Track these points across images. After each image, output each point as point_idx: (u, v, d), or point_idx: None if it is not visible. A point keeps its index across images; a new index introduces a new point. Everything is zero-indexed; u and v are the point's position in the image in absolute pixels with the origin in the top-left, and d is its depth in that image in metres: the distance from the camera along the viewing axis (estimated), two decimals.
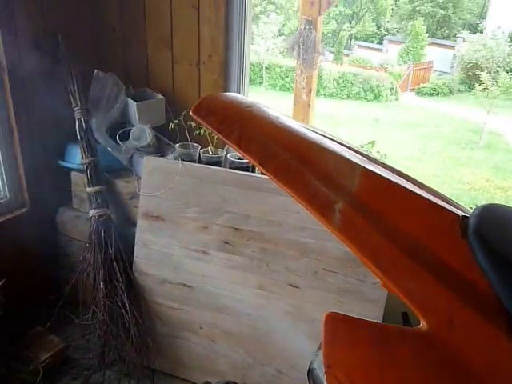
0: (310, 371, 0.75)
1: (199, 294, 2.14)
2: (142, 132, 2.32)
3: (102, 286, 2.16)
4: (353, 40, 23.45)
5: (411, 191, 0.69)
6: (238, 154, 2.20)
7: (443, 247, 0.63)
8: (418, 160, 9.42)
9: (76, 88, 2.34)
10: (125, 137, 2.36)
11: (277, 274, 2.00)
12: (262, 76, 15.52)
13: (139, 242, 2.22)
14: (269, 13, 18.20)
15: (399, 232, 0.64)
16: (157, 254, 2.19)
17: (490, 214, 0.66)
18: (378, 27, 24.58)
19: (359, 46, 21.72)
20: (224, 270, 2.08)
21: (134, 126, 2.38)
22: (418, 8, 22.12)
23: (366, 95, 15.12)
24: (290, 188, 0.67)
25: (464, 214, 0.67)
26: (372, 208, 0.65)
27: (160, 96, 2.47)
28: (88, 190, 2.28)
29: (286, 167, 0.68)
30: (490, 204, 0.70)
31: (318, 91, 14.29)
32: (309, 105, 4.78)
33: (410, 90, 16.45)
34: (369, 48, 21.18)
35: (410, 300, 0.60)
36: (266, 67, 15.52)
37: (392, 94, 15.07)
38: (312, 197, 0.66)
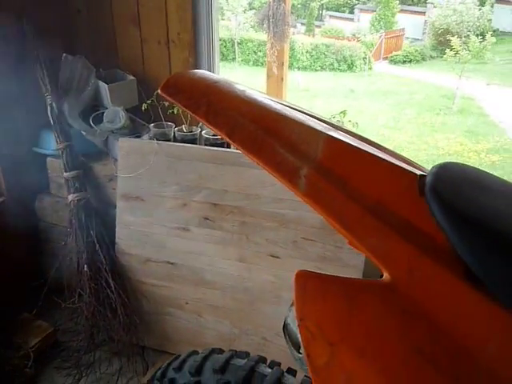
0: (285, 326, 0.80)
1: (183, 270, 2.18)
2: (115, 114, 2.32)
3: (86, 269, 2.19)
4: (324, 10, 23.26)
5: (372, 154, 0.73)
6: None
7: (402, 204, 0.67)
8: (393, 128, 9.54)
9: (45, 74, 2.31)
10: (98, 120, 2.35)
11: (257, 246, 2.05)
12: (234, 52, 15.38)
13: (120, 224, 2.25)
14: None
15: (361, 193, 0.68)
16: (138, 233, 2.22)
17: (446, 173, 0.71)
18: None
19: (330, 16, 21.59)
20: (205, 245, 2.12)
21: (106, 108, 2.38)
22: None
23: (340, 66, 15.14)
24: (257, 158, 0.71)
25: (422, 173, 0.71)
26: (335, 172, 0.69)
27: (131, 77, 2.46)
28: (65, 174, 2.29)
29: (253, 138, 0.72)
30: (447, 162, 0.75)
31: (292, 64, 14.25)
32: (282, 78, 4.77)
33: (383, 58, 16.50)
34: (340, 18, 21.08)
35: (373, 254, 0.65)
36: (238, 42, 15.36)
37: (365, 64, 15.10)
38: (278, 165, 0.70)
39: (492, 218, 0.65)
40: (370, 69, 15.18)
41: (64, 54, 2.34)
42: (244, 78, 12.35)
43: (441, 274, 0.62)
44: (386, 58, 16.46)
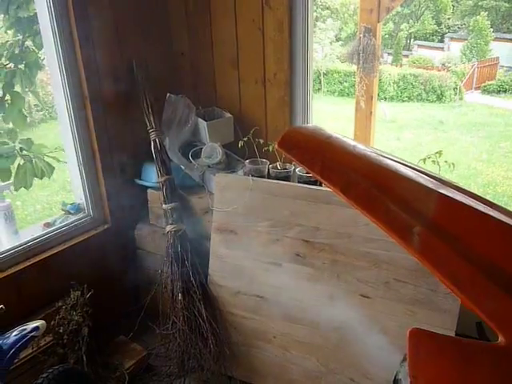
0: (396, 381, 0.80)
1: (272, 304, 2.22)
2: (212, 150, 2.44)
3: (180, 297, 2.29)
4: (412, 40, 22.89)
5: (484, 213, 0.73)
6: None
7: None
8: (486, 161, 9.08)
9: (150, 111, 2.49)
10: (196, 155, 2.49)
11: (347, 285, 2.05)
12: (320, 82, 15.50)
13: (213, 255, 2.34)
14: (325, 18, 18.16)
15: (475, 253, 0.68)
16: (230, 266, 2.30)
17: None
18: (439, 25, 23.85)
19: (419, 45, 21.20)
20: (296, 281, 2.15)
21: (204, 144, 2.51)
22: (480, 3, 21.32)
23: (428, 96, 14.73)
24: (370, 214, 0.74)
25: None
26: (448, 231, 0.70)
27: (228, 115, 2.58)
28: (164, 206, 2.42)
29: (367, 195, 0.75)
30: None
31: (378, 95, 14.09)
32: (371, 112, 4.77)
33: (476, 88, 15.88)
34: (429, 47, 20.62)
35: (489, 317, 0.65)
36: (324, 73, 15.47)
37: (456, 94, 14.60)
38: (391, 222, 0.73)
39: None
40: (461, 99, 14.64)
41: (168, 94, 2.51)
42: (330, 110, 12.39)
43: None
44: (478, 88, 15.83)
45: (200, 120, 2.54)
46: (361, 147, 0.84)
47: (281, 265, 2.17)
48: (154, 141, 2.47)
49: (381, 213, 0.73)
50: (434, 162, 2.18)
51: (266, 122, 2.54)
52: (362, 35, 4.81)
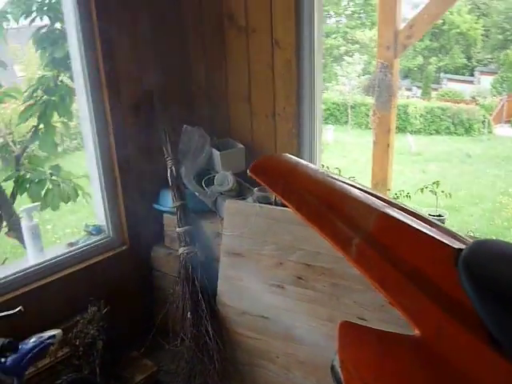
0: (332, 367, 0.93)
1: (276, 325, 2.33)
2: (224, 178, 2.61)
3: (189, 316, 2.43)
4: (442, 73, 22.98)
5: (417, 229, 0.86)
6: None
7: (438, 273, 0.80)
8: None
9: (168, 140, 2.68)
10: (209, 182, 2.66)
11: (346, 307, 2.15)
12: (347, 115, 15.69)
13: (222, 277, 2.47)
14: (352, 53, 18.47)
15: (403, 261, 0.81)
16: (237, 287, 2.43)
17: (481, 248, 0.82)
18: (468, 59, 23.91)
19: (449, 79, 21.27)
20: (298, 302, 2.26)
21: (217, 172, 2.68)
22: (510, 37, 21.35)
23: (456, 129, 14.72)
24: (318, 228, 0.87)
25: (460, 247, 0.83)
26: (382, 242, 0.84)
27: (240, 145, 2.76)
28: (178, 230, 2.59)
29: (316, 212, 0.89)
30: (488, 239, 0.86)
31: (405, 127, 14.18)
32: (388, 145, 4.88)
33: (505, 121, 15.79)
34: (459, 81, 20.66)
35: (406, 313, 0.77)
36: (352, 106, 15.68)
37: (484, 127, 14.55)
38: (335, 234, 0.86)
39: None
40: (490, 132, 14.58)
41: (185, 125, 2.71)
42: (354, 142, 12.51)
43: (466, 336, 0.73)
44: (508, 122, 15.74)
45: (214, 150, 2.72)
46: (322, 172, 0.98)
47: (284, 287, 2.29)
48: (171, 168, 2.65)
49: (328, 228, 0.87)
50: (431, 191, 2.30)
51: (275, 152, 2.70)
52: (378, 71, 4.96)
